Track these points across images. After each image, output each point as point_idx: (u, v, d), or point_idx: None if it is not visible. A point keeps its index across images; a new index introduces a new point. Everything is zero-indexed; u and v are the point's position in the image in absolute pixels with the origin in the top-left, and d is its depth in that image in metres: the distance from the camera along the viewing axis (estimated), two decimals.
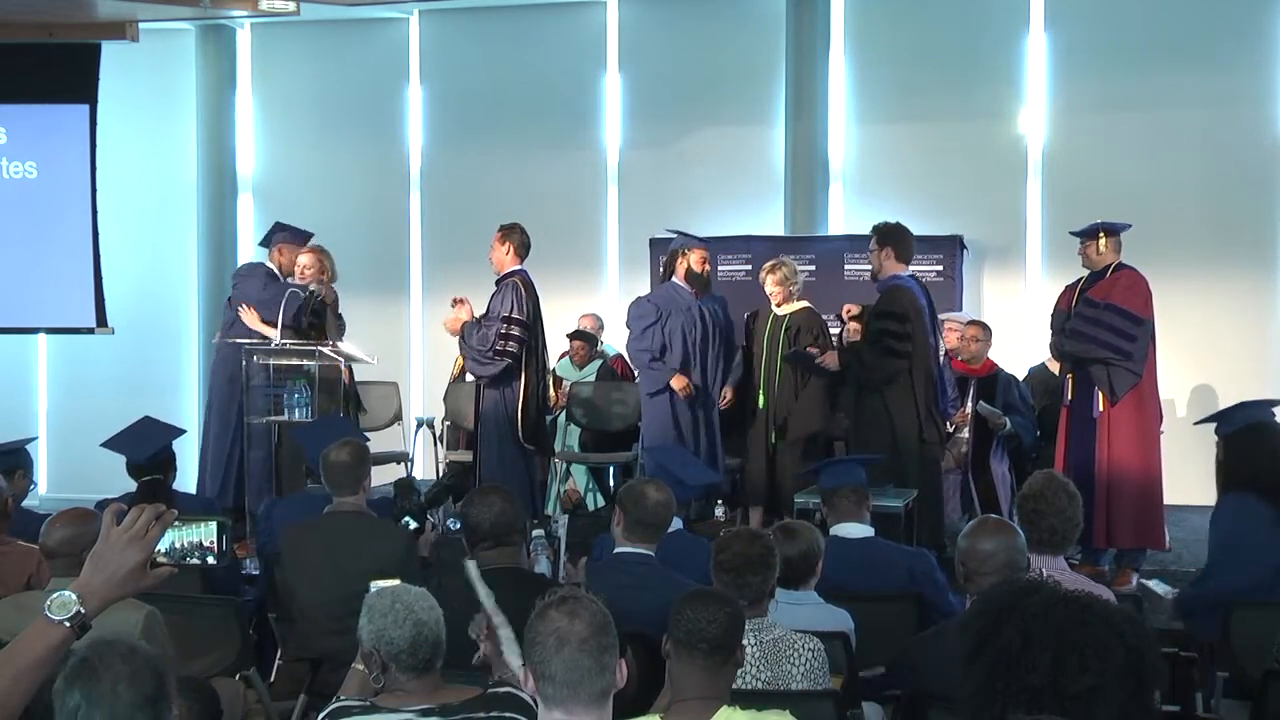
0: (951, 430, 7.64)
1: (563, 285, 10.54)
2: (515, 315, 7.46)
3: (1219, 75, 9.65)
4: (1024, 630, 1.84)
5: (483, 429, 7.71)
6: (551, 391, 7.94)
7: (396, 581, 3.35)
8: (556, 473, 8.91)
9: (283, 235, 8.14)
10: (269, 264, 8.13)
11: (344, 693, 3.21)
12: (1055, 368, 7.89)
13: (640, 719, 2.97)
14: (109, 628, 2.55)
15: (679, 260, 7.81)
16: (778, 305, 7.83)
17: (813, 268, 9.62)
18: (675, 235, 8.18)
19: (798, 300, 7.90)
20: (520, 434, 7.51)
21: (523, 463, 7.59)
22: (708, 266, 7.92)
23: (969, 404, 7.76)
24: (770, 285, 7.81)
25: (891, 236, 7.16)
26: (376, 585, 3.32)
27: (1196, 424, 5.48)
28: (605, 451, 8.93)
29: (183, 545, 2.30)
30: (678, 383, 7.60)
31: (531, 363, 7.57)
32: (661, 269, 8.16)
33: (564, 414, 9.13)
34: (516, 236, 7.64)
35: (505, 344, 7.43)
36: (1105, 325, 6.74)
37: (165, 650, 2.55)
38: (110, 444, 5.85)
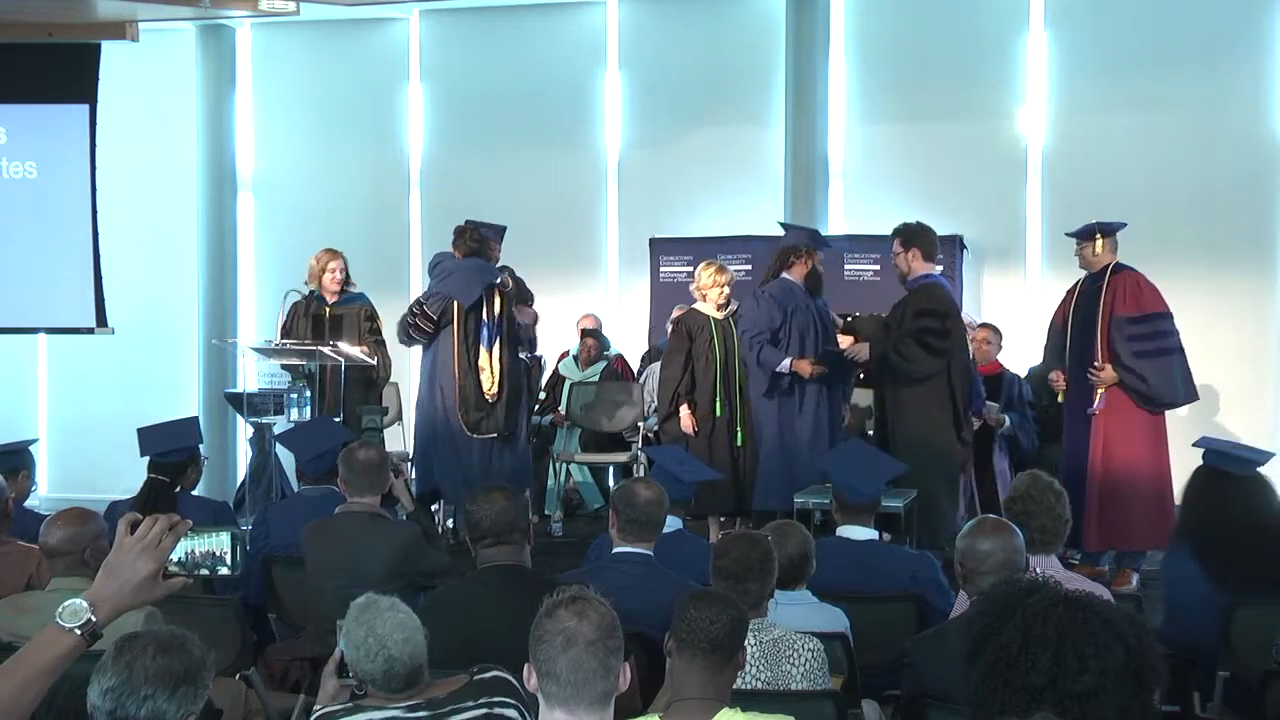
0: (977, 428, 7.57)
1: (562, 285, 10.56)
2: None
3: (1218, 75, 9.65)
4: (1024, 629, 1.84)
5: None
6: (491, 382, 7.77)
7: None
8: (556, 473, 8.92)
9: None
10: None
11: (320, 702, 3.19)
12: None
13: (639, 719, 2.97)
14: (110, 627, 2.56)
15: (800, 259, 7.34)
16: (719, 309, 7.60)
17: None
18: (795, 230, 7.73)
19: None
20: (465, 427, 7.59)
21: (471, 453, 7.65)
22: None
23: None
24: (726, 288, 7.57)
25: (917, 236, 6.97)
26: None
27: (1194, 444, 5.31)
28: (605, 451, 8.93)
29: (196, 555, 2.29)
30: (804, 367, 7.13)
31: (462, 354, 7.60)
32: (773, 263, 7.53)
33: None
34: (460, 240, 7.72)
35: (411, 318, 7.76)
36: (1160, 334, 6.79)
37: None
38: (141, 431, 5.82)
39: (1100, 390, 6.77)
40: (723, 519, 7.66)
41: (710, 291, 7.60)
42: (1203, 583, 4.65)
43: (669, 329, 9.29)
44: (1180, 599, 4.78)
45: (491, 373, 7.65)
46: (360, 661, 3.07)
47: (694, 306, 7.77)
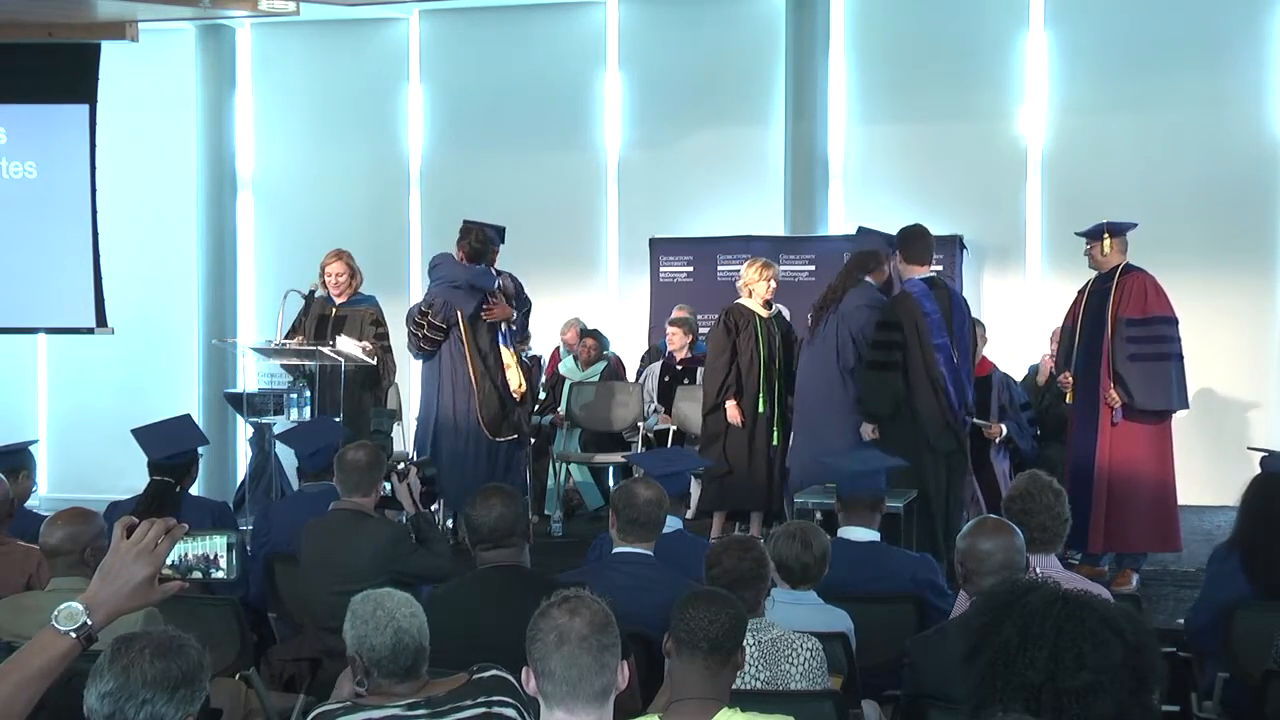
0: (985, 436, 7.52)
1: (562, 285, 10.57)
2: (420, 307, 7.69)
3: (1218, 75, 9.66)
4: (1022, 628, 1.85)
5: None
6: (519, 380, 7.75)
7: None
8: (556, 473, 8.92)
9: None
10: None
11: (335, 697, 3.21)
12: (1051, 366, 7.85)
13: (639, 719, 2.97)
14: (108, 627, 2.56)
15: (881, 263, 7.14)
16: (764, 307, 7.51)
17: (812, 268, 9.63)
18: (873, 234, 7.46)
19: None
20: (486, 431, 7.57)
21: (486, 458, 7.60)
22: None
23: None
24: (770, 284, 7.47)
25: (901, 242, 6.93)
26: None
27: (1250, 448, 5.29)
28: (605, 451, 8.94)
29: (191, 558, 2.28)
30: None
31: (476, 357, 7.58)
32: (848, 267, 7.27)
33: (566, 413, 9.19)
34: (464, 240, 7.64)
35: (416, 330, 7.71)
36: (1160, 338, 6.76)
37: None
38: (137, 433, 5.79)
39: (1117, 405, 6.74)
40: (725, 520, 7.65)
41: (756, 286, 7.46)
42: (1241, 586, 4.61)
43: (668, 329, 9.31)
44: (1211, 601, 4.74)
45: (518, 371, 7.66)
46: (370, 636, 3.08)
47: (739, 302, 7.65)
